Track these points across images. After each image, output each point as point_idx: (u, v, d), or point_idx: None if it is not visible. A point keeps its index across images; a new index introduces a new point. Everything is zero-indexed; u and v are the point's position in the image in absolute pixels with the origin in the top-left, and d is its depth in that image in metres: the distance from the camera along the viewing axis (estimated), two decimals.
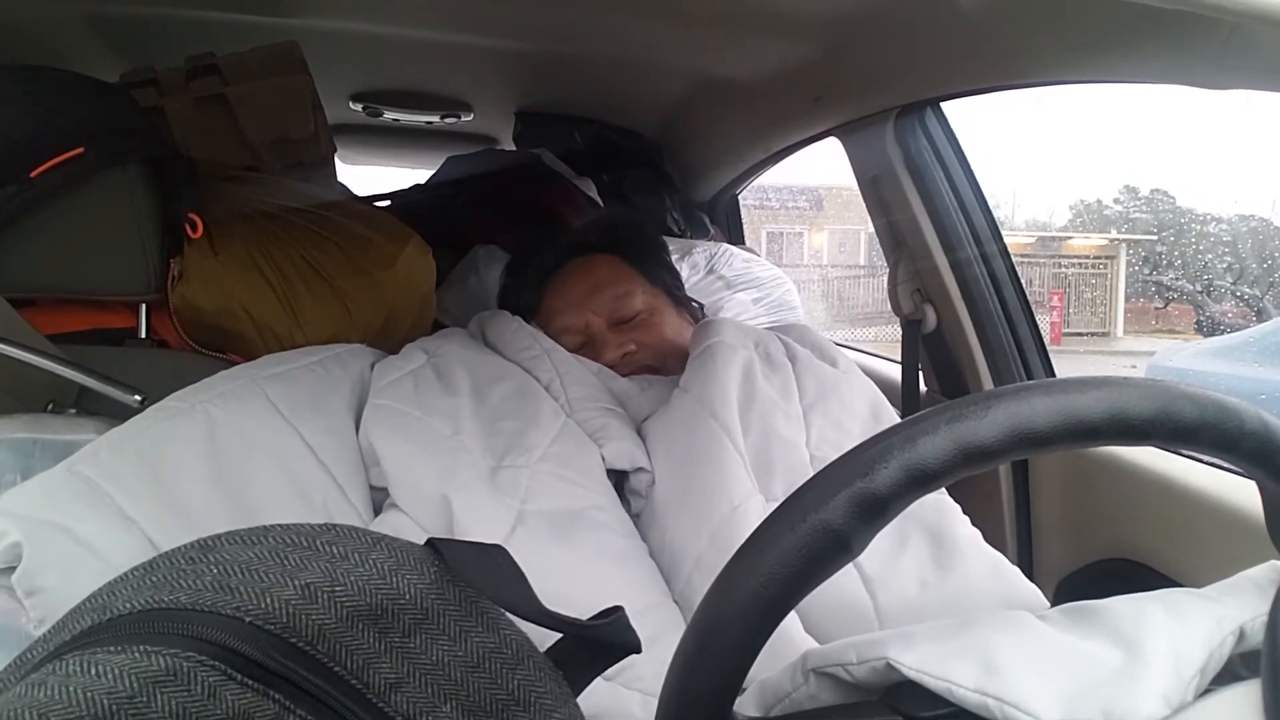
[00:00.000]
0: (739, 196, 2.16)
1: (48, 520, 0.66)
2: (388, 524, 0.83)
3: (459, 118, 1.99)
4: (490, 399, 1.00)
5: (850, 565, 0.73)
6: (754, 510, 0.85)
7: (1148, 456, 0.94)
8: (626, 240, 1.31)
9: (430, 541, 0.47)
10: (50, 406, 0.98)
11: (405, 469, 0.86)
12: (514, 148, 2.05)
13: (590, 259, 1.26)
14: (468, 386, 1.00)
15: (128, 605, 0.40)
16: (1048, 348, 1.34)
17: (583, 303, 1.20)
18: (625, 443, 0.98)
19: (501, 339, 1.13)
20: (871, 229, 1.52)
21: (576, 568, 0.81)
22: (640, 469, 0.97)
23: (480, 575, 0.46)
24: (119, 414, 0.89)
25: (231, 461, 0.79)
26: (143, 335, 1.11)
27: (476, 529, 0.80)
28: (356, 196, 1.60)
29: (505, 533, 0.82)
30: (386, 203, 1.73)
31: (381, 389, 0.96)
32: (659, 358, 1.17)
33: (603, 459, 0.96)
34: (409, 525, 0.82)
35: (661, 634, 0.74)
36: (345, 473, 0.87)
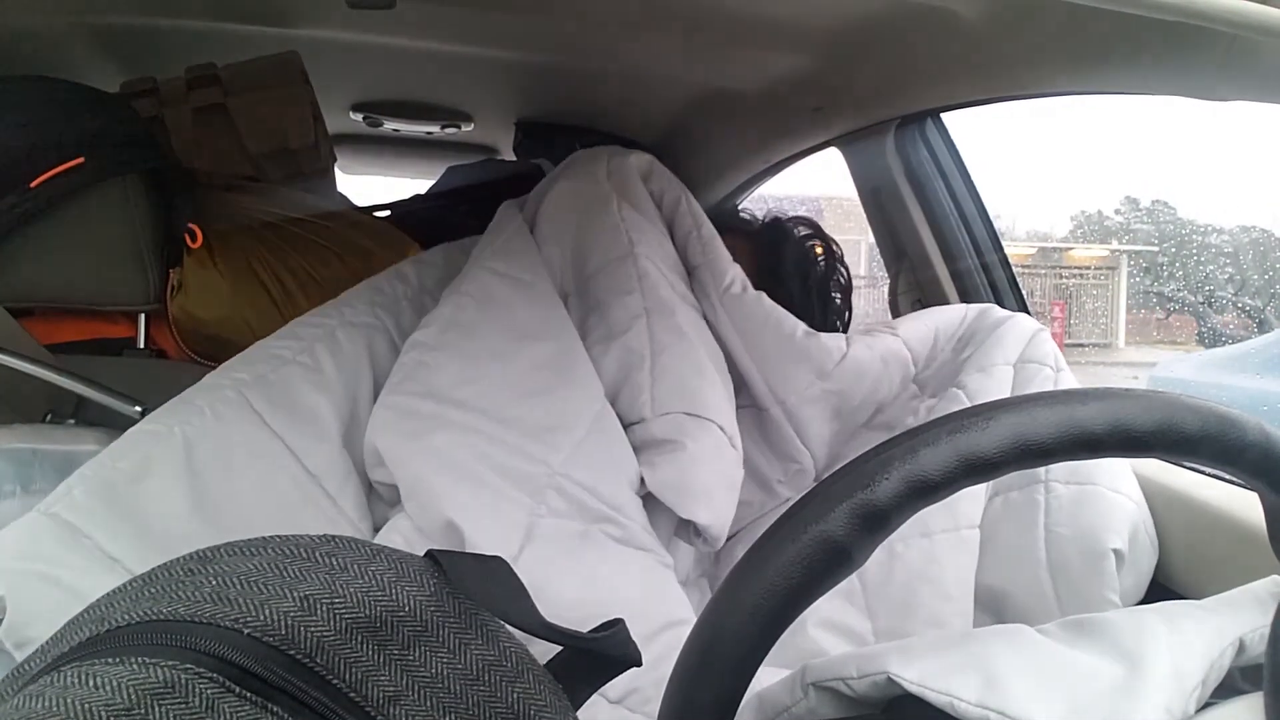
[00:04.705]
0: (739, 207, 2.16)
1: (30, 570, 0.64)
2: (397, 529, 0.80)
3: (459, 128, 1.99)
4: (517, 364, 0.91)
5: None
6: None
7: (1149, 468, 0.94)
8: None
9: (430, 553, 0.47)
10: (49, 417, 0.98)
11: (415, 477, 0.81)
12: (514, 157, 2.05)
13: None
14: (493, 351, 0.91)
15: (125, 617, 0.40)
16: None
17: None
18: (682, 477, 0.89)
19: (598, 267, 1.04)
20: (872, 239, 1.52)
21: (590, 583, 0.78)
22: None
23: (480, 587, 0.46)
24: (117, 424, 0.89)
25: (212, 485, 0.76)
26: (141, 345, 1.11)
27: (488, 538, 0.76)
28: (356, 207, 1.60)
29: (518, 544, 0.78)
30: (386, 213, 1.73)
31: (395, 385, 0.88)
32: None
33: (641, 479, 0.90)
34: (416, 533, 0.80)
35: (672, 655, 0.72)
36: (336, 482, 0.83)
